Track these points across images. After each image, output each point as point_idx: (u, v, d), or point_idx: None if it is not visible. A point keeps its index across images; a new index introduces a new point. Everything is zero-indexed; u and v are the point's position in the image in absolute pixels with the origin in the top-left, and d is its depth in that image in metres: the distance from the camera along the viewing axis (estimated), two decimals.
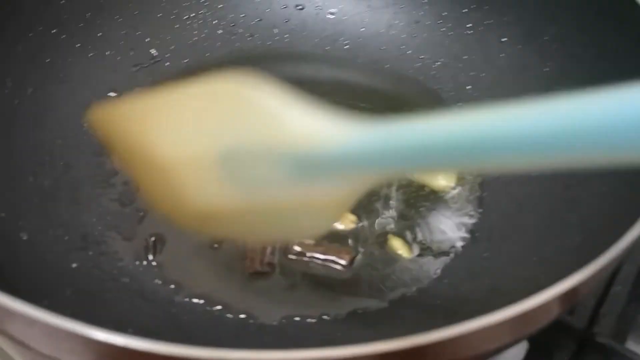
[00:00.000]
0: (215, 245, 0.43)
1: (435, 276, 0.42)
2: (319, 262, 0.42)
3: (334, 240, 0.43)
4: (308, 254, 0.42)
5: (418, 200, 0.47)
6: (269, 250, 0.42)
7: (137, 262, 0.43)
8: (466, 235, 0.45)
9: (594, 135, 0.21)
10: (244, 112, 0.27)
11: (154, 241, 0.43)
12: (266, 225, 0.29)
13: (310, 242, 0.43)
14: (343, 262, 0.42)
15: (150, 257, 0.43)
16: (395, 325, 0.38)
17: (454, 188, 0.47)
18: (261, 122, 0.27)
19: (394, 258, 0.43)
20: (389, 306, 0.40)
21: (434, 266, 0.43)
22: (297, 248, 0.42)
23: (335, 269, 0.42)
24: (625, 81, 0.41)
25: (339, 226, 0.44)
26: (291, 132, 0.26)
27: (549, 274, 0.38)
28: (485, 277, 0.41)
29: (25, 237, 0.41)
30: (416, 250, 0.44)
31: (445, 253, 0.44)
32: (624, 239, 0.32)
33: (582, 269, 0.30)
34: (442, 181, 0.47)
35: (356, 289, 0.41)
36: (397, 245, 0.43)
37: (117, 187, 0.47)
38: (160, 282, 0.42)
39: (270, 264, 0.42)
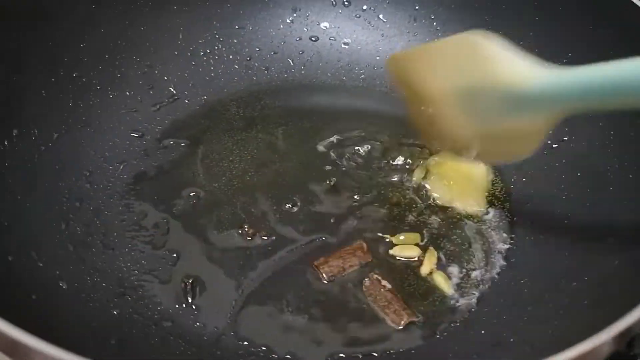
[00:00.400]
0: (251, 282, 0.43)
1: (475, 305, 0.42)
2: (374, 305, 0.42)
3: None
4: (370, 297, 0.43)
5: (452, 228, 0.47)
6: (343, 266, 0.44)
7: (177, 306, 0.43)
8: (502, 262, 0.45)
9: None
10: (475, 60, 0.37)
11: (192, 283, 0.43)
12: (489, 148, 0.39)
13: (387, 285, 0.43)
14: (396, 324, 0.41)
15: (190, 299, 0.43)
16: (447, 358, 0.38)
17: (486, 213, 0.48)
18: (485, 67, 0.36)
19: (434, 290, 0.43)
20: (436, 340, 0.40)
21: (473, 295, 0.43)
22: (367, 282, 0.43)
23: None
24: None
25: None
26: (505, 75, 0.35)
27: (592, 299, 0.38)
28: (525, 304, 0.42)
29: (64, 286, 0.41)
30: (455, 279, 0.44)
31: (483, 281, 0.44)
32: None
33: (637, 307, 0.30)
34: (474, 207, 0.48)
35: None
36: (440, 280, 0.43)
37: (148, 230, 0.47)
38: (201, 324, 0.42)
39: (331, 275, 0.44)
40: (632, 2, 0.47)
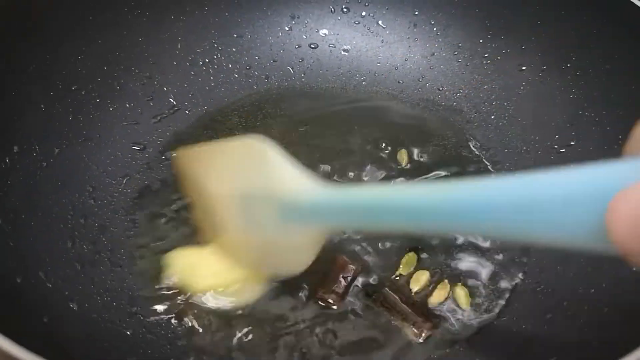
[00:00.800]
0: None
1: (496, 316, 0.42)
2: (392, 318, 0.42)
3: None
4: (387, 305, 0.42)
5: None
6: (343, 282, 0.43)
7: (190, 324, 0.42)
8: (519, 272, 0.45)
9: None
10: (256, 166, 0.36)
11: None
12: (262, 257, 0.38)
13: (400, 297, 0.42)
14: (417, 337, 0.41)
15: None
16: None
17: None
18: (265, 175, 0.36)
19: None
20: (456, 350, 0.40)
21: (492, 306, 0.43)
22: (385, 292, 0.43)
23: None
24: None
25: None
26: (281, 185, 0.34)
27: (612, 306, 0.38)
28: (544, 312, 0.41)
29: (75, 307, 0.40)
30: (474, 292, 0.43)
31: (500, 292, 0.43)
32: None
33: None
34: None
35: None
36: (460, 294, 0.43)
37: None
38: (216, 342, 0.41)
39: (338, 295, 0.42)
40: (636, 5, 0.47)
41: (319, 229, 0.35)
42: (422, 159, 0.53)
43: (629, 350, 0.29)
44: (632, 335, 0.31)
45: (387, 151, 0.54)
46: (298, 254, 0.36)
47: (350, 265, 0.44)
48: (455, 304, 0.43)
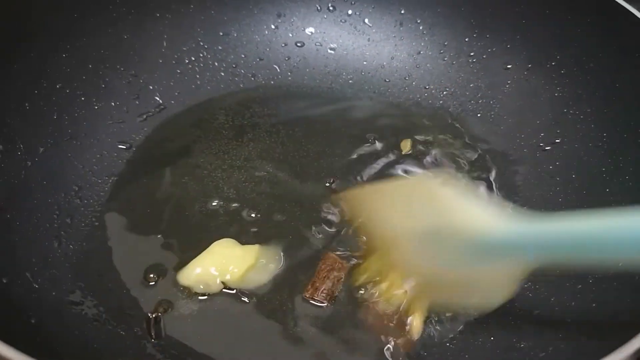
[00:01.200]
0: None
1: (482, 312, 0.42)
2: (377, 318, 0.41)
3: None
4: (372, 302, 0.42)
5: None
6: (329, 283, 0.42)
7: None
8: None
9: None
10: (436, 205, 0.35)
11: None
12: (449, 292, 0.37)
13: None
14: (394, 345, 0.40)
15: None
16: None
17: None
18: (448, 213, 0.34)
19: None
20: (445, 347, 0.40)
21: None
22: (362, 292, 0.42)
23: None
24: None
25: None
26: (468, 223, 0.33)
27: (598, 300, 0.39)
28: (531, 308, 0.42)
29: (63, 308, 0.40)
30: None
31: None
32: None
33: None
34: None
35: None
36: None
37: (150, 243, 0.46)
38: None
39: (330, 296, 0.42)
40: (618, 3, 0.48)
41: (516, 262, 0.33)
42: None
43: (612, 348, 0.30)
44: (621, 334, 0.31)
45: (375, 144, 0.54)
46: (495, 286, 0.35)
47: (340, 265, 0.44)
48: None
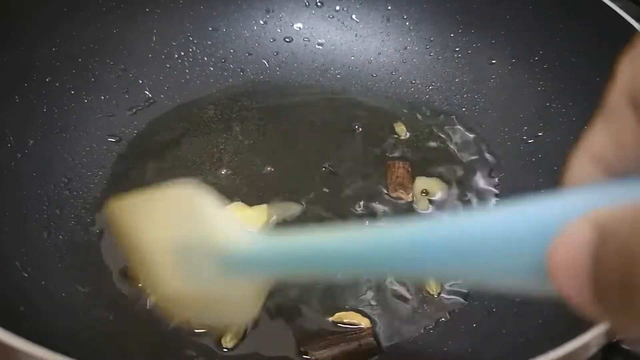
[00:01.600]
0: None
1: (464, 300, 0.43)
2: None
3: None
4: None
5: None
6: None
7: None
8: None
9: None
10: (191, 215, 0.33)
11: None
12: (202, 309, 0.35)
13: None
14: None
15: None
16: (441, 352, 0.39)
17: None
18: (199, 225, 0.33)
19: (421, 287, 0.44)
20: (428, 335, 0.41)
21: (460, 291, 0.44)
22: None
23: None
24: None
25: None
26: (216, 235, 0.32)
27: None
28: (513, 295, 0.43)
29: (53, 296, 0.40)
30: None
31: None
32: None
33: None
34: None
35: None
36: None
37: None
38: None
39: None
40: (604, 3, 0.49)
41: (259, 279, 0.33)
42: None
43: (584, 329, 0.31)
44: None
45: (362, 135, 0.55)
46: (241, 304, 0.34)
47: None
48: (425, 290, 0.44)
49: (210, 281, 0.33)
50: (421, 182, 0.51)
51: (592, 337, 0.30)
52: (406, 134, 0.55)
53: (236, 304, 0.34)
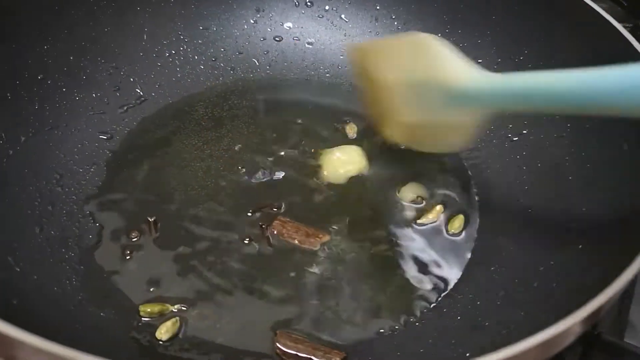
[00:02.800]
0: None
1: (450, 294, 0.44)
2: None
3: None
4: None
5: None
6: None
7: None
8: (470, 253, 0.47)
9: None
10: (424, 57, 0.41)
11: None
12: (428, 135, 0.44)
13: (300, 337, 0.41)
14: None
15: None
16: (427, 344, 0.40)
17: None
18: (433, 64, 0.41)
19: (406, 281, 0.45)
20: (413, 326, 0.42)
21: (445, 284, 0.45)
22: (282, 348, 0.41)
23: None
24: None
25: None
26: (448, 74, 0.40)
27: (559, 281, 0.41)
28: (497, 289, 0.44)
29: (45, 291, 0.41)
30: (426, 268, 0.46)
31: (452, 270, 0.46)
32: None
33: (604, 291, 0.33)
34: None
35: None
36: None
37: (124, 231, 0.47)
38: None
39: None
40: (583, 1, 0.50)
41: (478, 111, 0.40)
42: None
43: (560, 317, 0.32)
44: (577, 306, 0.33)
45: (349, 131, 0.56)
46: (459, 133, 0.42)
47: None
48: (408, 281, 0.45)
49: (437, 112, 0.41)
50: (411, 189, 0.52)
51: (568, 325, 0.31)
52: (353, 135, 0.56)
53: (455, 132, 0.42)
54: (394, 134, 0.47)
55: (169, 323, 0.41)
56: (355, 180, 0.52)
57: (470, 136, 0.42)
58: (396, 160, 0.53)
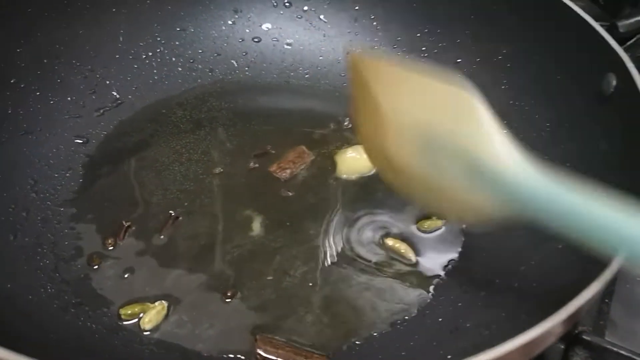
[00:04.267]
0: None
1: (431, 296, 0.44)
2: None
3: None
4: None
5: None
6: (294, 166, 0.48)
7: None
8: (453, 253, 0.47)
9: None
10: (459, 114, 0.33)
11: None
12: (428, 197, 0.35)
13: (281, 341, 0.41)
14: None
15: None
16: (409, 347, 0.40)
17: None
18: (468, 127, 0.33)
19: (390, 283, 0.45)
20: (394, 329, 0.42)
21: (428, 285, 0.45)
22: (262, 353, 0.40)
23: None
24: (582, 97, 0.45)
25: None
26: (486, 147, 0.32)
27: (540, 281, 0.41)
28: (478, 290, 0.44)
29: (18, 299, 0.40)
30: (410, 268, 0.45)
31: (435, 272, 0.46)
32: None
33: (585, 290, 0.33)
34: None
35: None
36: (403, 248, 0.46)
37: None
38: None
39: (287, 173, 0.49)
40: (564, 3, 0.50)
41: (500, 200, 0.32)
42: None
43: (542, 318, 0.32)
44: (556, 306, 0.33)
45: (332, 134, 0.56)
46: (467, 207, 0.34)
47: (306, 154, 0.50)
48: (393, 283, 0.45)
49: (450, 179, 0.33)
50: None
51: (550, 326, 0.31)
52: None
53: (463, 205, 0.34)
54: (375, 162, 0.40)
55: (153, 312, 0.41)
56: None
57: (474, 217, 0.34)
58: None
